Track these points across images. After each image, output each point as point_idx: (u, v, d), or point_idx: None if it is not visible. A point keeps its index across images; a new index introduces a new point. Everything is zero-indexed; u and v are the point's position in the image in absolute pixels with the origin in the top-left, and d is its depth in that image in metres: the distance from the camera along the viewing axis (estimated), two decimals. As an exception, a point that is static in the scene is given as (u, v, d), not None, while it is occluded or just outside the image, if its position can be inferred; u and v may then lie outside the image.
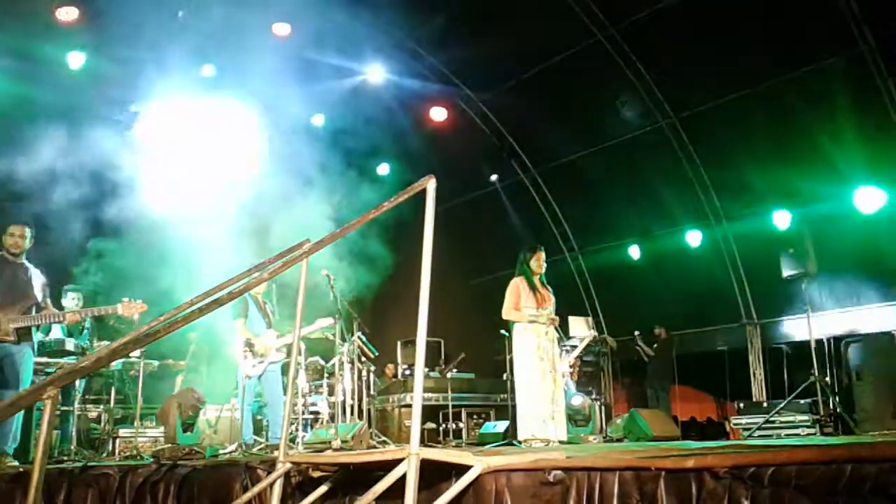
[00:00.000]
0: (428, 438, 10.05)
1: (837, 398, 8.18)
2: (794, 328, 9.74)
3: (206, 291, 3.25)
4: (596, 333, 10.24)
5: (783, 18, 9.06)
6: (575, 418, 8.73)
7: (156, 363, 8.04)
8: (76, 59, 9.43)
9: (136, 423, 7.44)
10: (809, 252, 8.62)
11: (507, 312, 6.85)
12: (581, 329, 11.85)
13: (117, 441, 7.49)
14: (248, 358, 7.35)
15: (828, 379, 8.52)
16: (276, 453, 3.97)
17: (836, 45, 8.91)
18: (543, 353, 6.68)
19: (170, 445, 5.90)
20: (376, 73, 11.93)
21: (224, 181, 8.98)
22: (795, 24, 9.05)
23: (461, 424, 10.32)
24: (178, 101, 8.85)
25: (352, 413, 8.29)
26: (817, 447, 3.08)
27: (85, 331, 7.70)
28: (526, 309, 6.75)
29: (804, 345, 8.65)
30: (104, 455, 7.06)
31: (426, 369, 10.54)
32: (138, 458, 6.29)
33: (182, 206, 8.39)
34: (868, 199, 9.30)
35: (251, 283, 2.95)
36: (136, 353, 7.31)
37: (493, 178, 13.52)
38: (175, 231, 8.29)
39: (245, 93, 9.07)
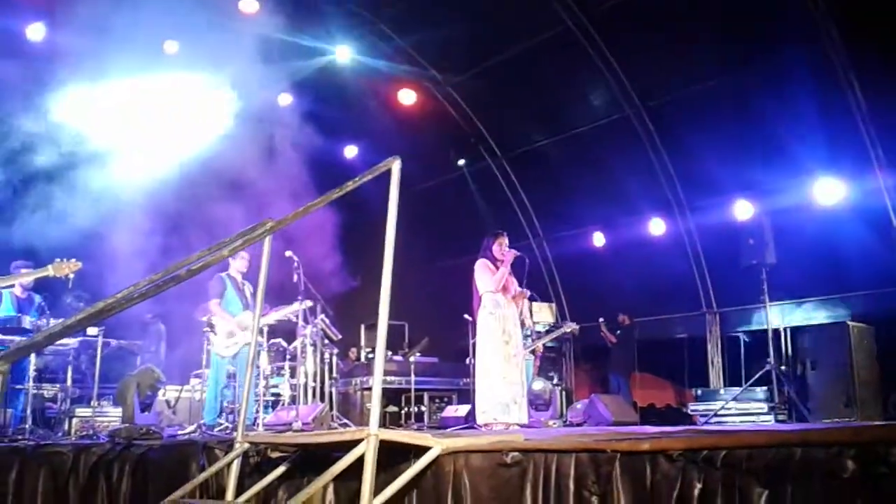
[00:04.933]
0: (390, 422, 10.08)
1: (792, 386, 8.35)
2: (752, 317, 9.90)
3: (166, 269, 3.20)
4: (575, 327, 10.28)
5: (750, 11, 9.16)
6: (535, 402, 8.82)
7: (114, 342, 7.94)
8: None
9: (93, 403, 7.35)
10: (769, 242, 8.76)
11: (483, 287, 6.80)
12: (545, 315, 11.94)
13: (73, 420, 7.39)
14: (220, 338, 7.29)
15: (783, 367, 8.69)
16: (235, 434, 3.95)
17: (801, 39, 9.02)
18: (508, 337, 6.69)
19: (126, 426, 5.83)
20: (344, 53, 11.84)
21: (185, 159, 8.89)
22: (762, 17, 9.15)
23: (423, 408, 10.35)
24: (139, 76, 8.70)
25: (314, 396, 8.27)
26: (768, 432, 3.15)
27: (35, 307, 7.56)
28: (487, 294, 6.75)
29: (761, 333, 8.81)
30: (60, 434, 6.96)
31: (389, 352, 10.61)
32: (94, 437, 6.20)
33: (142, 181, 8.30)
34: (827, 191, 9.47)
35: (210, 261, 2.92)
36: (94, 330, 7.22)
37: (461, 162, 13.51)
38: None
39: (209, 71, 8.94)
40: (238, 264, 7.49)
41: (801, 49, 9.14)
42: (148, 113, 8.90)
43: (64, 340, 7.38)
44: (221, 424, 7.13)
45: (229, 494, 3.76)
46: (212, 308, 7.37)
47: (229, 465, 3.81)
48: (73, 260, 6.26)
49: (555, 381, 10.27)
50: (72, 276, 6.33)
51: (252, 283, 7.58)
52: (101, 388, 7.44)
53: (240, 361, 7.34)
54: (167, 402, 8.26)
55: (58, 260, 6.21)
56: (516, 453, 3.25)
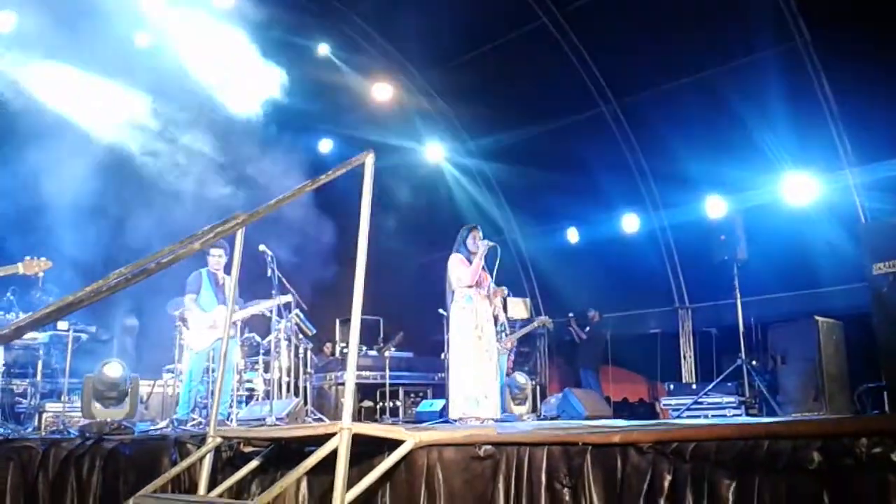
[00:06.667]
0: (365, 416, 10.08)
1: (763, 381, 8.45)
2: (724, 313, 9.99)
3: (135, 262, 3.17)
4: (548, 321, 10.31)
5: (723, 9, 9.24)
6: (517, 396, 8.86)
7: (84, 335, 7.85)
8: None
9: (63, 398, 7.27)
10: (740, 239, 8.86)
11: (458, 282, 6.81)
12: (519, 310, 12.00)
13: (44, 415, 7.30)
14: (195, 332, 7.25)
15: (754, 362, 8.77)
16: (207, 429, 3.92)
17: (773, 37, 9.12)
18: (481, 332, 6.72)
19: (97, 420, 5.77)
20: (320, 46, 11.77)
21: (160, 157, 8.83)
22: (735, 16, 9.24)
23: (398, 403, 10.36)
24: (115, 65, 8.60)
25: (288, 390, 8.25)
26: (736, 425, 3.20)
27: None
28: (461, 288, 6.77)
29: (733, 329, 8.90)
30: (30, 430, 6.87)
31: (364, 347, 10.60)
32: (65, 432, 6.13)
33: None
34: (797, 188, 9.59)
35: (180, 254, 2.90)
36: (65, 324, 7.15)
37: (437, 156, 13.47)
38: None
39: (183, 62, 8.86)
40: (212, 262, 7.45)
41: (772, 48, 9.24)
42: (117, 105, 8.79)
43: (33, 335, 7.30)
44: (194, 419, 7.09)
45: (201, 489, 3.74)
46: (186, 303, 7.35)
47: (201, 459, 3.79)
48: (44, 259, 6.19)
49: (529, 375, 10.32)
50: (41, 274, 6.26)
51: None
52: (72, 383, 7.35)
53: (216, 356, 7.31)
54: (139, 397, 8.18)
55: (28, 258, 6.13)
56: (489, 446, 3.27)
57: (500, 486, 3.17)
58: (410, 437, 3.39)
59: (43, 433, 6.44)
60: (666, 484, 2.75)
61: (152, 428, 6.58)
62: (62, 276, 7.16)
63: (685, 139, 10.38)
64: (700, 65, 9.94)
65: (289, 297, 7.66)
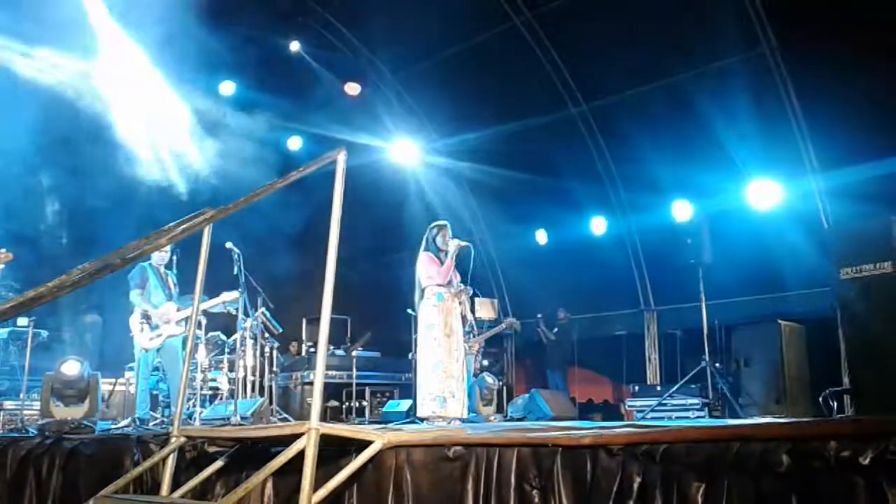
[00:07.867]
0: (331, 416, 10.01)
1: (726, 383, 8.54)
2: (689, 315, 10.10)
3: (100, 258, 3.10)
4: (515, 323, 10.30)
5: (693, 16, 9.33)
6: (485, 397, 8.86)
7: (45, 332, 7.68)
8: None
9: (21, 395, 7.10)
10: (706, 242, 8.95)
11: (428, 280, 6.75)
12: (487, 311, 12.00)
13: (1, 413, 7.14)
14: (145, 330, 7.10)
15: (718, 364, 8.87)
16: (171, 428, 3.84)
17: (740, 44, 9.23)
18: (450, 331, 6.68)
19: (57, 419, 5.65)
20: (290, 43, 11.66)
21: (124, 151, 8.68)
22: (704, 22, 9.33)
23: (364, 403, 10.31)
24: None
25: (253, 390, 8.15)
26: (707, 427, 3.21)
27: None
28: (431, 287, 6.73)
29: (697, 331, 8.99)
30: (-14, 428, 6.71)
31: (331, 347, 10.52)
32: (23, 431, 5.99)
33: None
34: (762, 193, 9.72)
35: (146, 250, 2.83)
36: (24, 320, 6.98)
37: (407, 155, 13.42)
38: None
39: (149, 52, 8.72)
40: (156, 256, 7.25)
41: (740, 54, 9.35)
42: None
43: (-9, 331, 7.14)
44: (156, 418, 6.97)
45: (164, 490, 3.66)
46: (133, 299, 7.15)
47: (164, 459, 3.71)
48: (4, 251, 6.03)
49: (496, 375, 10.33)
50: (2, 266, 6.10)
51: (184, 274, 7.41)
52: (31, 381, 7.19)
53: (165, 354, 7.15)
54: (101, 395, 8.03)
55: None
56: (459, 447, 3.25)
57: (469, 487, 3.15)
58: (379, 438, 3.35)
59: (1, 432, 6.29)
60: (635, 486, 2.75)
61: (114, 427, 6.46)
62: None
63: (653, 143, 10.46)
64: (668, 70, 10.03)
65: (235, 294, 7.46)
